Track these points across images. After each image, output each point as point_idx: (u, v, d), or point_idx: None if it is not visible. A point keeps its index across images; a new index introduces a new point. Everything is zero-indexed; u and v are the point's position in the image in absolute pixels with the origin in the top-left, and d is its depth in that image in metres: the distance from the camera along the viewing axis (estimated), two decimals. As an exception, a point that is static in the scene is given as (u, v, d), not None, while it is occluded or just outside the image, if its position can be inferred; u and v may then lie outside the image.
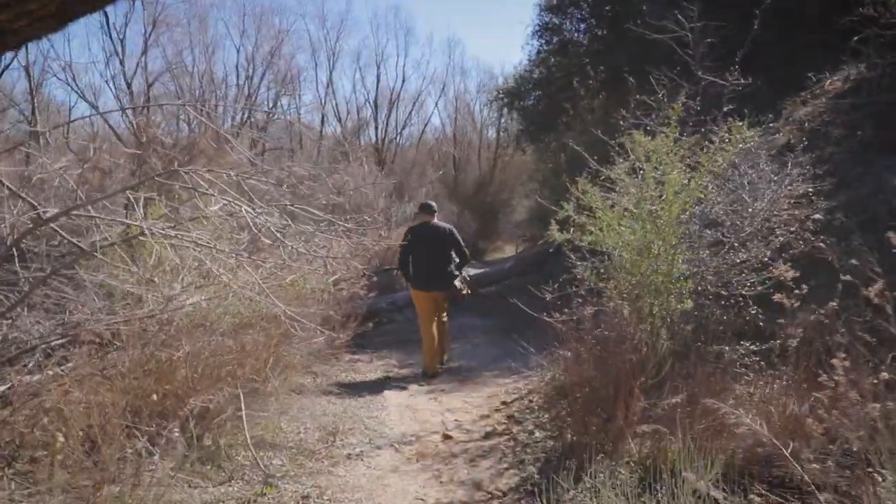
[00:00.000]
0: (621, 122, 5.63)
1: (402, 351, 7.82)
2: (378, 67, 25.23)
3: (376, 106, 24.01)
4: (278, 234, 4.05)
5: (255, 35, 21.49)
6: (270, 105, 21.51)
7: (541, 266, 10.51)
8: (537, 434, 4.57)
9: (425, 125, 25.25)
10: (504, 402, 5.50)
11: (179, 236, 4.03)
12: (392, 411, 5.42)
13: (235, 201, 3.96)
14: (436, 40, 57.13)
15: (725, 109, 5.57)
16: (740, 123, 4.69)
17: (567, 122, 10.62)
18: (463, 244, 7.06)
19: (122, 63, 16.86)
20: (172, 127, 15.17)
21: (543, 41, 14.09)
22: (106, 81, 18.06)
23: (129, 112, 13.04)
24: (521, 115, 15.40)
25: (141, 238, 4.14)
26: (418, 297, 6.90)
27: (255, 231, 4.01)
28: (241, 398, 4.21)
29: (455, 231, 7.06)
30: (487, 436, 4.73)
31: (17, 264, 4.29)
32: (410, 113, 24.64)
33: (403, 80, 24.26)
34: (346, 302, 6.78)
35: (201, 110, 9.43)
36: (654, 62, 7.33)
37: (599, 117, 9.42)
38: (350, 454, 4.36)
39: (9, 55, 12.62)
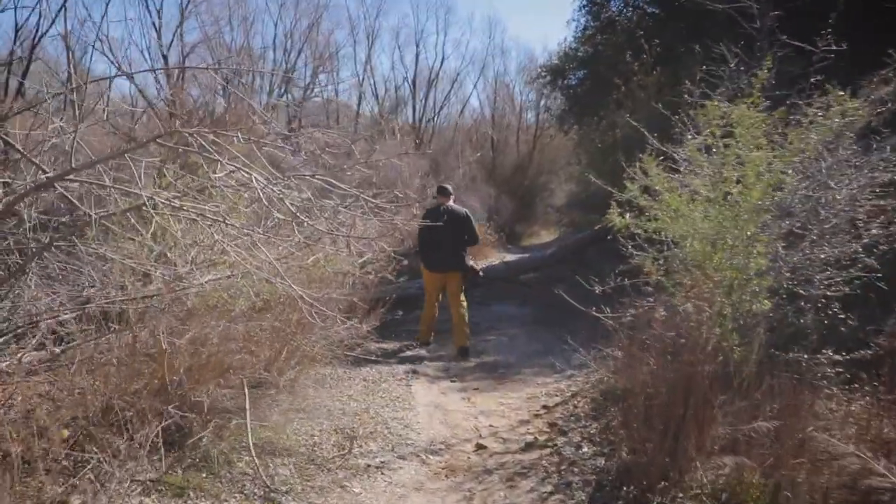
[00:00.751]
0: (687, 96, 4.98)
1: (433, 339, 7.24)
2: (417, 46, 24.73)
3: (415, 85, 23.49)
4: (292, 209, 3.47)
5: (294, 10, 20.98)
6: (307, 81, 21.03)
7: (584, 253, 9.92)
8: (585, 449, 3.95)
9: (463, 106, 24.70)
10: (545, 407, 4.88)
11: (186, 208, 3.52)
12: (420, 412, 4.85)
13: (244, 168, 3.39)
14: (476, 19, 56.23)
15: (813, 80, 4.84)
16: (841, 93, 4.01)
17: (618, 100, 9.98)
18: (476, 230, 7.19)
19: (157, 32, 16.45)
20: (209, 100, 14.82)
21: (590, 17, 13.37)
22: (141, 51, 17.58)
23: (161, 80, 12.68)
24: (565, 95, 14.76)
25: (145, 209, 3.64)
26: (426, 277, 7.14)
27: (267, 205, 3.44)
28: (247, 393, 3.69)
29: (471, 216, 7.17)
30: (527, 447, 4.13)
31: (28, 232, 3.88)
32: (449, 93, 24.07)
33: (443, 60, 23.68)
34: (374, 286, 6.29)
35: (235, 80, 8.94)
36: (712, 37, 6.64)
37: (653, 94, 8.86)
38: (369, 465, 3.79)
39: (47, 22, 12.38)
